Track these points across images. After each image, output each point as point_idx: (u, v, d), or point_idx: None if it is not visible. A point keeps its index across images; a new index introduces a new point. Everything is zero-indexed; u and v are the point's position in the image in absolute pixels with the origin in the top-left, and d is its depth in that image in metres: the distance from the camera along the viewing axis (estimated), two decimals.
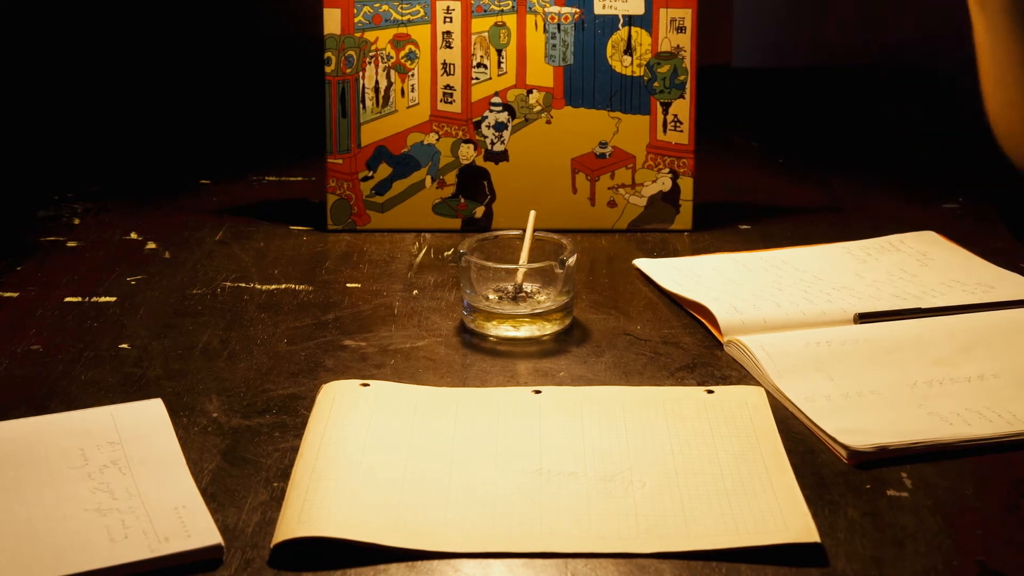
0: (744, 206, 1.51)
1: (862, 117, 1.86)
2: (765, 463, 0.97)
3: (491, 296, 1.21)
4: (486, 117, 1.43)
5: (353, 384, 1.08)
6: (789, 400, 1.06)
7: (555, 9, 1.41)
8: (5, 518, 0.90)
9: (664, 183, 1.44)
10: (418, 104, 1.43)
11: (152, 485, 0.94)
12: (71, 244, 1.41)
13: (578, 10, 1.41)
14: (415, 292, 1.29)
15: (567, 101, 1.42)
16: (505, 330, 1.19)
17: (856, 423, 1.02)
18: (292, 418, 1.05)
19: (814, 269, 1.30)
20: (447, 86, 1.42)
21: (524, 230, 1.24)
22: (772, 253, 1.35)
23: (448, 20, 1.41)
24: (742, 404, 1.05)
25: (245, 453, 1.00)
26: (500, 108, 1.43)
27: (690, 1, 1.40)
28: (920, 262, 1.32)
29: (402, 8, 1.41)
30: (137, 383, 1.11)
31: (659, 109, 1.42)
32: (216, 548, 0.87)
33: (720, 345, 1.17)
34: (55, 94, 1.89)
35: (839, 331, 1.16)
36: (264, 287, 1.30)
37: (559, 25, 1.41)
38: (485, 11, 1.41)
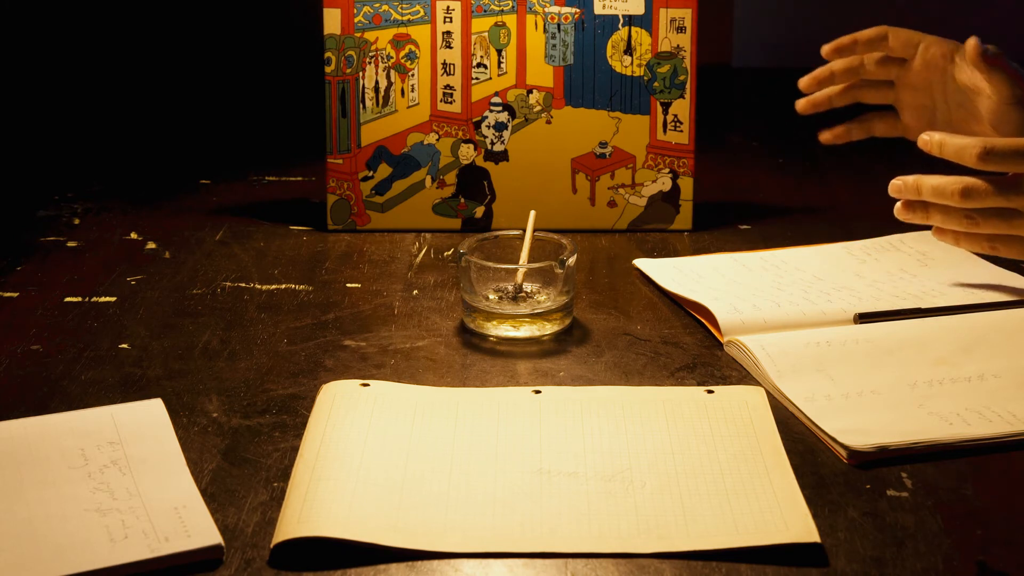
0: (744, 206, 1.51)
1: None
2: (765, 463, 0.97)
3: (491, 296, 1.21)
4: (486, 117, 1.43)
5: (353, 384, 1.08)
6: (789, 400, 1.06)
7: (555, 9, 1.41)
8: (5, 518, 0.90)
9: (664, 183, 1.44)
10: (418, 104, 1.43)
11: (152, 485, 0.94)
12: (71, 244, 1.41)
13: (578, 10, 1.41)
14: (415, 292, 1.29)
15: (567, 101, 1.42)
16: (505, 330, 1.19)
17: (856, 423, 1.02)
18: (292, 418, 1.05)
19: (814, 269, 1.30)
20: (447, 86, 1.43)
21: (524, 230, 1.24)
22: (772, 253, 1.35)
23: (448, 20, 1.41)
24: (742, 404, 1.05)
25: (245, 453, 1.00)
26: (500, 108, 1.43)
27: (690, 1, 1.40)
28: (920, 262, 1.32)
29: (402, 8, 1.41)
30: (137, 383, 1.11)
31: (659, 109, 1.42)
32: (216, 548, 0.87)
33: (720, 345, 1.17)
34: (55, 94, 1.89)
35: (839, 331, 1.16)
36: (264, 287, 1.30)
37: (559, 25, 1.41)
38: (485, 11, 1.41)
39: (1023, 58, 1.30)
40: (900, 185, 1.21)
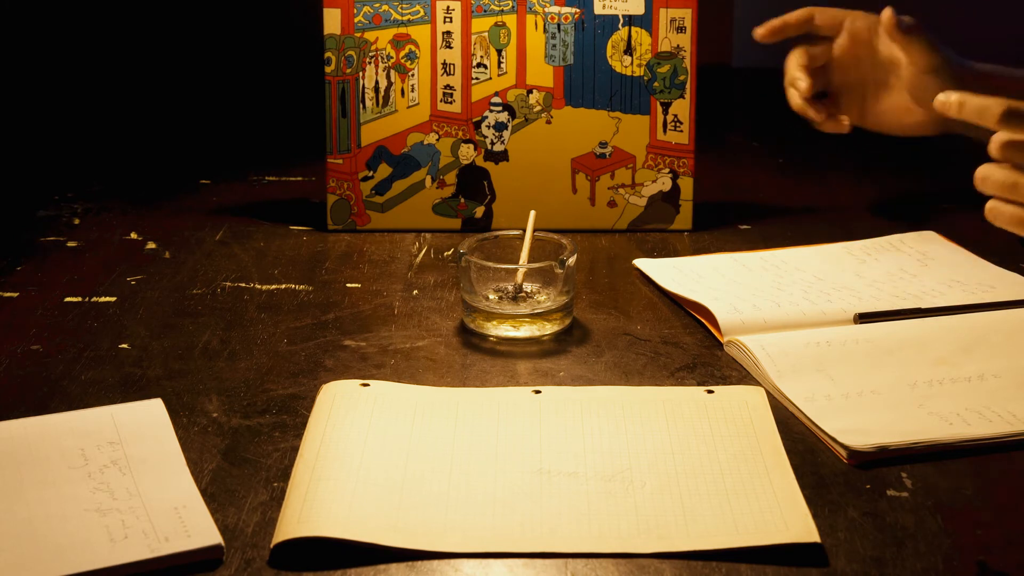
0: (744, 206, 1.51)
1: None
2: (765, 463, 0.97)
3: (491, 296, 1.21)
4: (486, 117, 1.43)
5: (353, 384, 1.08)
6: (789, 400, 1.06)
7: (555, 9, 1.41)
8: (5, 518, 0.90)
9: (664, 183, 1.44)
10: (418, 104, 1.43)
11: (152, 485, 0.94)
12: (71, 244, 1.41)
13: (578, 10, 1.41)
14: (415, 292, 1.29)
15: (567, 101, 1.42)
16: (505, 330, 1.19)
17: (856, 423, 1.02)
18: (292, 418, 1.05)
19: (814, 269, 1.30)
20: (447, 86, 1.43)
21: (524, 230, 1.24)
22: (772, 253, 1.35)
23: (448, 20, 1.41)
24: (742, 404, 1.05)
25: (245, 453, 1.00)
26: (500, 108, 1.43)
27: (690, 1, 1.40)
28: (920, 262, 1.32)
29: (402, 8, 1.41)
30: (137, 383, 1.11)
31: (659, 109, 1.42)
32: (216, 548, 0.87)
33: (720, 345, 1.17)
34: (55, 94, 1.89)
35: (839, 331, 1.16)
36: (264, 287, 1.30)
37: (559, 25, 1.41)
38: (485, 11, 1.41)
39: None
40: (944, 99, 1.12)
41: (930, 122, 1.37)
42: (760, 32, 1.39)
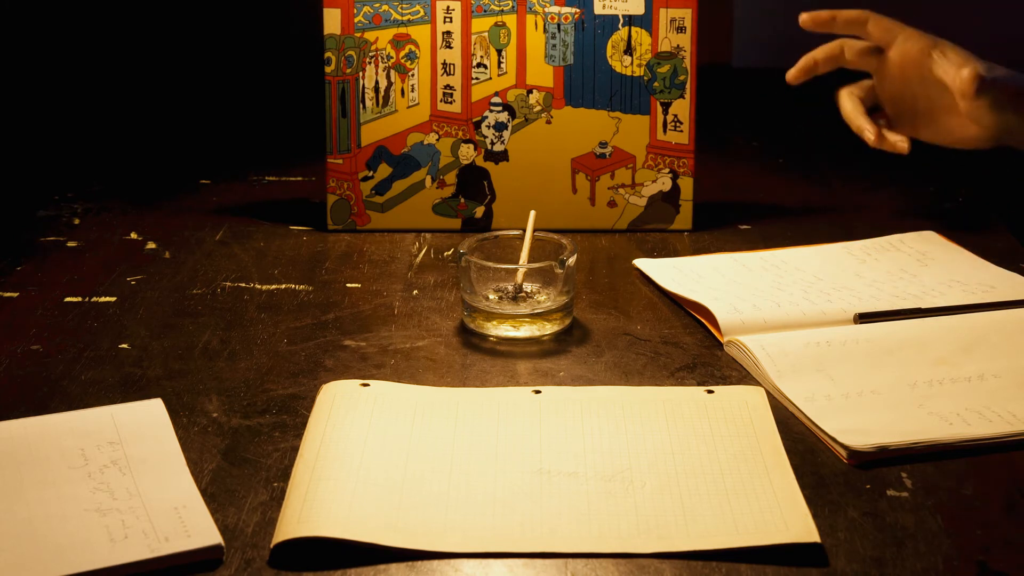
0: (744, 206, 1.51)
1: None
2: (765, 463, 0.97)
3: (491, 296, 1.21)
4: (486, 117, 1.43)
5: (353, 384, 1.08)
6: (789, 400, 1.06)
7: (555, 9, 1.41)
8: (5, 518, 0.90)
9: (664, 183, 1.44)
10: (418, 104, 1.43)
11: (152, 485, 0.94)
12: (71, 244, 1.41)
13: (578, 10, 1.41)
14: (415, 292, 1.29)
15: (567, 101, 1.42)
16: (505, 330, 1.19)
17: (856, 423, 1.02)
18: (292, 418, 1.05)
19: (814, 269, 1.30)
20: (447, 86, 1.43)
21: (524, 230, 1.24)
22: (772, 253, 1.35)
23: (448, 20, 1.41)
24: (742, 404, 1.05)
25: (245, 453, 1.00)
26: (500, 108, 1.43)
27: (690, 1, 1.40)
28: (920, 262, 1.32)
29: (402, 8, 1.41)
30: (137, 383, 1.11)
31: (659, 109, 1.42)
32: (216, 548, 0.87)
33: (720, 345, 1.17)
34: (55, 94, 1.89)
35: (839, 331, 1.16)
36: (264, 287, 1.30)
37: (559, 25, 1.41)
38: (485, 11, 1.41)
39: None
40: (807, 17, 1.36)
41: (985, 137, 1.33)
42: (806, 17, 1.37)
